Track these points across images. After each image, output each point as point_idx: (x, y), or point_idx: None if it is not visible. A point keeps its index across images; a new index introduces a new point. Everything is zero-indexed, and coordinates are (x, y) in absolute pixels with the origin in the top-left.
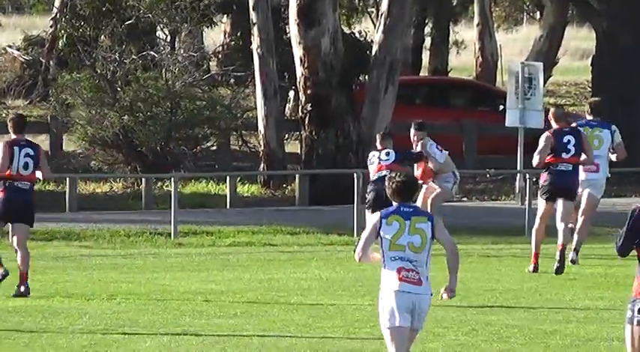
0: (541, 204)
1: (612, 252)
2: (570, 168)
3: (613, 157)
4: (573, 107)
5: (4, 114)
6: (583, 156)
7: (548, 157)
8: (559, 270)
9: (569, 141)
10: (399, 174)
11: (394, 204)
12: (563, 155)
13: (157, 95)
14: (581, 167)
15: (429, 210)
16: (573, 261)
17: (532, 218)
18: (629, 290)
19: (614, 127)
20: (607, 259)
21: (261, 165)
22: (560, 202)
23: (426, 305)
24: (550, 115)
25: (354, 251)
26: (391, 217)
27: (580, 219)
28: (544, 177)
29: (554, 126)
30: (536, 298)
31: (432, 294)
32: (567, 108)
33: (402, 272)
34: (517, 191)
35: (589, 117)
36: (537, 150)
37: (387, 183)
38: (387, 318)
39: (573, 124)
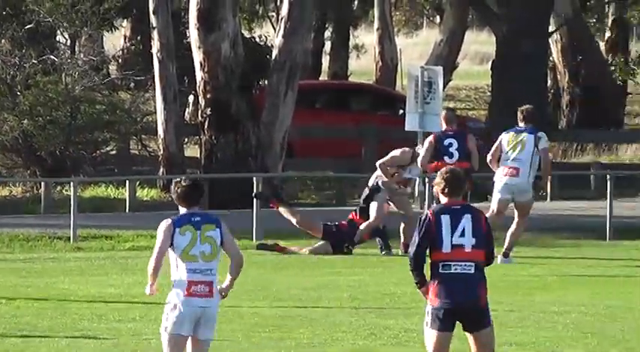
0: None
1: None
2: None
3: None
4: (473, 111)
5: None
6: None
7: (434, 162)
8: None
9: (450, 144)
10: (184, 178)
11: (182, 210)
12: (446, 159)
13: (57, 99)
14: (502, 171)
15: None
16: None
17: None
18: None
19: (540, 133)
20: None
21: (161, 170)
22: None
23: (213, 315)
24: (441, 118)
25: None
26: (184, 227)
27: (513, 224)
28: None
29: (444, 127)
30: None
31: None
32: (467, 112)
33: (192, 287)
34: (416, 195)
35: (521, 125)
36: (420, 156)
37: (172, 188)
38: (171, 324)
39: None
